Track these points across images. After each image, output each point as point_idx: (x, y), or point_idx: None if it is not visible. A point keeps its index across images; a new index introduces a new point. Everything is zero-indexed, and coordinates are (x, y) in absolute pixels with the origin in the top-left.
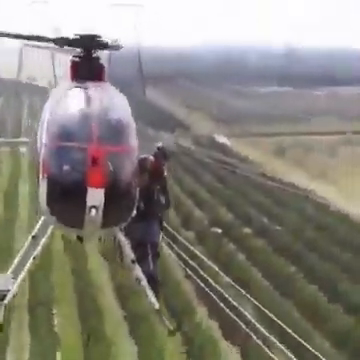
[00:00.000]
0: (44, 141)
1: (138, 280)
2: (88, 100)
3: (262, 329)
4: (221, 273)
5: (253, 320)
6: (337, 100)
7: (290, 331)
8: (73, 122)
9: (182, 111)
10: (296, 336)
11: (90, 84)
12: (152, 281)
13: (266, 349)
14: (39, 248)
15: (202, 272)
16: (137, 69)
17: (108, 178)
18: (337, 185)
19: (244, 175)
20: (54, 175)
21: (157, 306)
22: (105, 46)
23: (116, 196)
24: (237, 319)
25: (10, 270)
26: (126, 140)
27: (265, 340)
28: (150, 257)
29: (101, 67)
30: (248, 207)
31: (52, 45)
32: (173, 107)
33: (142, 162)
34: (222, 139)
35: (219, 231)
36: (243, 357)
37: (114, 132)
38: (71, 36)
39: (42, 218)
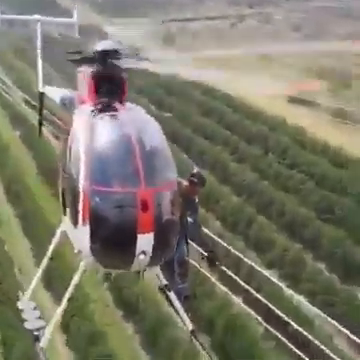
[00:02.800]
0: (82, 181)
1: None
2: (125, 133)
3: None
4: None
5: None
6: None
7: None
8: (116, 162)
9: (66, 2)
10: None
11: (119, 109)
12: (180, 299)
13: None
14: None
15: None
16: None
17: (157, 221)
18: (225, 69)
19: None
20: (99, 222)
21: (190, 327)
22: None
23: (164, 237)
24: None
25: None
26: (170, 175)
27: None
28: (177, 275)
29: (124, 84)
30: (136, 96)
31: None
32: None
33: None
34: (109, 29)
35: None
36: None
37: (158, 169)
38: (91, 54)
39: (55, 240)
